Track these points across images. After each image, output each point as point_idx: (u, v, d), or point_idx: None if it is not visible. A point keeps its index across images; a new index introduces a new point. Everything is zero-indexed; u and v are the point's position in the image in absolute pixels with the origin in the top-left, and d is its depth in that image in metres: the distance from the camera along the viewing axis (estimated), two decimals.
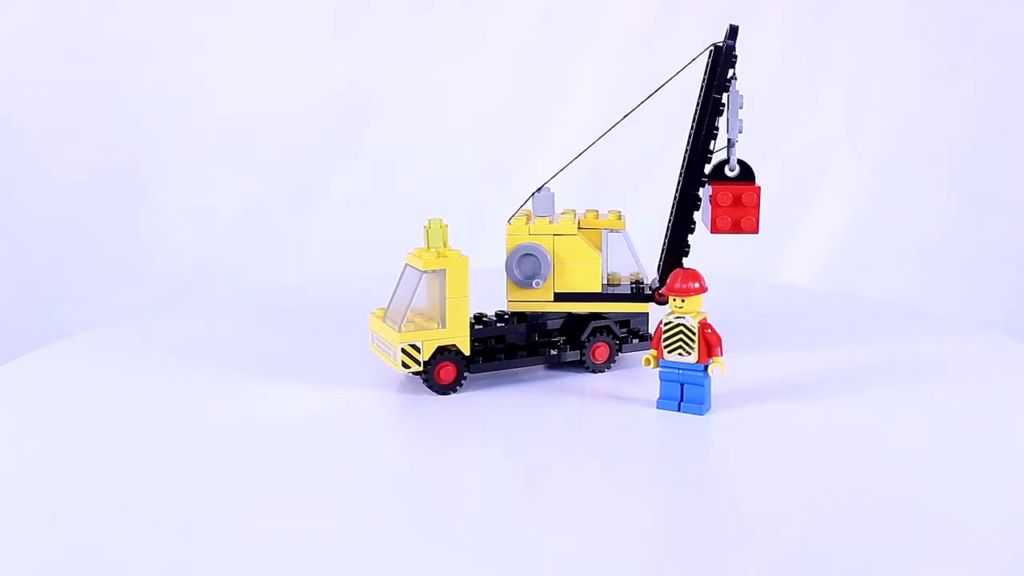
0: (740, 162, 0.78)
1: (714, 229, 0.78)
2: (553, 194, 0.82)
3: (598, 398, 0.77)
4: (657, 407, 0.73)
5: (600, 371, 0.83)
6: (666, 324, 0.72)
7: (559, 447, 0.69)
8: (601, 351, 0.83)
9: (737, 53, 0.79)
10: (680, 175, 0.80)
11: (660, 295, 0.80)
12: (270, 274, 1.80)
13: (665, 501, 0.60)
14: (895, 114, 1.86)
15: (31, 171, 1.82)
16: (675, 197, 0.80)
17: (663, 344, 0.72)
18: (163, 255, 1.84)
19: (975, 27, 1.82)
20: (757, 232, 0.77)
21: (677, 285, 0.71)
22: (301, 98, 1.83)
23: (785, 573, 0.50)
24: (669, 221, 0.82)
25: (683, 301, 0.71)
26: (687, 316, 0.71)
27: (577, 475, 0.64)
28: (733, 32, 0.79)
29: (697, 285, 0.71)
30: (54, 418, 0.74)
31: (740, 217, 0.77)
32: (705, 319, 0.71)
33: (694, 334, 0.71)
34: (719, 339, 0.71)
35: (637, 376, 0.81)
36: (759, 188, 0.77)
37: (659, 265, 0.83)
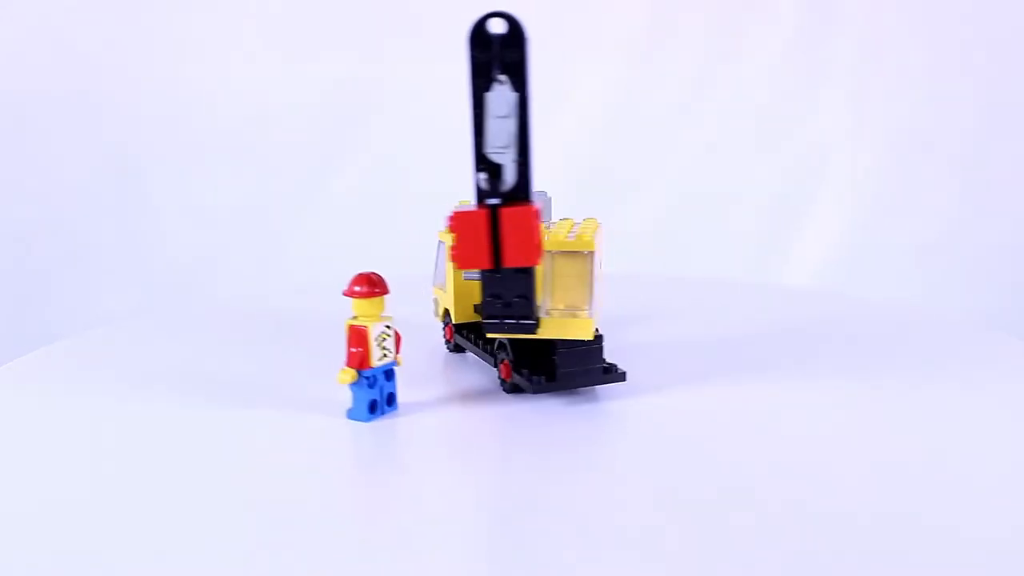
0: (488, 183, 0.64)
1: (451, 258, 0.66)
2: (550, 198, 0.80)
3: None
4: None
5: (508, 391, 0.77)
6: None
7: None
8: (505, 369, 0.78)
9: (480, 54, 0.64)
10: None
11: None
12: (270, 274, 1.80)
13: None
14: (896, 114, 1.86)
15: (31, 172, 1.83)
16: None
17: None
18: (163, 255, 1.85)
19: (976, 28, 1.82)
20: (459, 267, 0.64)
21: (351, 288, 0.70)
22: (301, 98, 1.83)
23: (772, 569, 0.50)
24: None
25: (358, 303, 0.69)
26: (357, 318, 0.70)
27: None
28: (476, 27, 0.64)
29: (361, 289, 0.69)
30: (54, 417, 0.74)
31: (451, 247, 0.65)
32: (358, 327, 0.69)
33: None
34: (350, 351, 0.70)
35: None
36: (466, 215, 0.63)
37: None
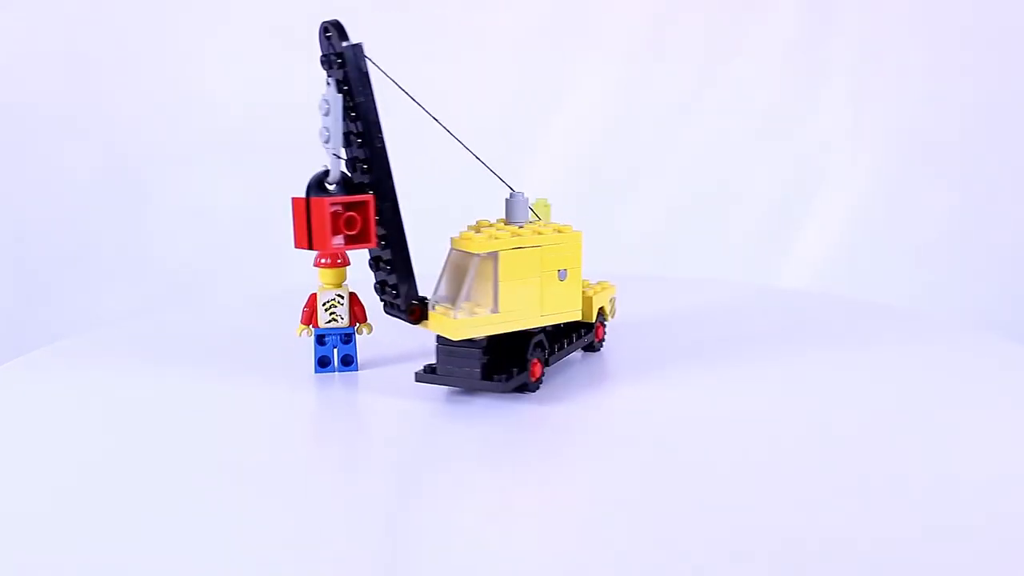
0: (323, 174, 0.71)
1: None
2: (527, 198, 0.80)
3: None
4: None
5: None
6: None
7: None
8: None
9: (330, 55, 0.70)
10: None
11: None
12: (270, 274, 1.80)
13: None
14: (896, 114, 1.86)
15: (32, 172, 1.83)
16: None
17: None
18: (163, 255, 1.85)
19: (976, 28, 1.82)
20: (295, 246, 0.71)
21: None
22: (301, 98, 1.83)
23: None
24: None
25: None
26: (322, 286, 0.81)
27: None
28: (322, 31, 0.71)
29: (323, 261, 0.81)
30: (54, 415, 0.74)
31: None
32: (313, 292, 0.82)
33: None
34: (303, 310, 0.82)
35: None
36: (295, 201, 0.70)
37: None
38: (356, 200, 0.69)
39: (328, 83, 0.69)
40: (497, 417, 0.72)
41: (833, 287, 1.79)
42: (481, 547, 0.53)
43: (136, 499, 0.60)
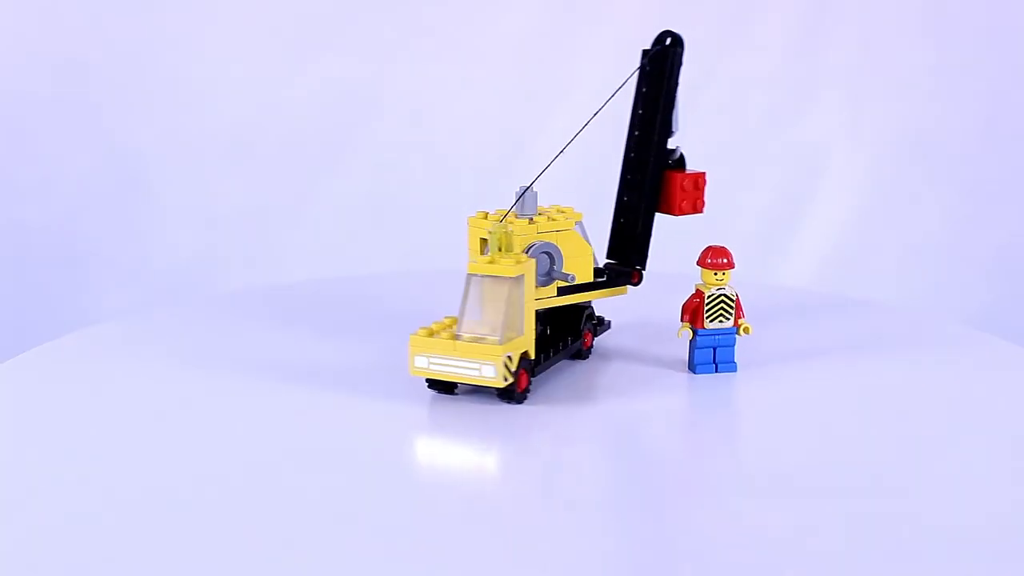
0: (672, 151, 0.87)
1: (679, 211, 0.85)
2: (536, 193, 0.83)
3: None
4: (696, 372, 0.82)
5: (585, 357, 0.86)
6: (709, 296, 0.81)
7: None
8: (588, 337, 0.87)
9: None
10: (630, 164, 0.87)
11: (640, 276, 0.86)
12: (268, 273, 1.80)
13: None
14: (896, 114, 1.86)
15: (32, 170, 1.83)
16: (625, 184, 0.87)
17: (707, 314, 0.81)
18: (162, 253, 1.85)
19: (975, 27, 1.82)
20: (702, 212, 0.85)
21: (721, 261, 0.80)
22: (301, 98, 1.83)
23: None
24: (622, 206, 0.87)
25: (724, 275, 0.80)
26: (726, 287, 0.81)
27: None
28: (677, 40, 0.90)
29: (726, 261, 0.81)
30: (53, 413, 0.74)
31: (695, 200, 0.86)
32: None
33: (732, 303, 0.81)
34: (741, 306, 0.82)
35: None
36: (705, 173, 0.85)
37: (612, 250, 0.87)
38: None
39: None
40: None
41: (832, 287, 1.79)
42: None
43: (141, 499, 0.60)
